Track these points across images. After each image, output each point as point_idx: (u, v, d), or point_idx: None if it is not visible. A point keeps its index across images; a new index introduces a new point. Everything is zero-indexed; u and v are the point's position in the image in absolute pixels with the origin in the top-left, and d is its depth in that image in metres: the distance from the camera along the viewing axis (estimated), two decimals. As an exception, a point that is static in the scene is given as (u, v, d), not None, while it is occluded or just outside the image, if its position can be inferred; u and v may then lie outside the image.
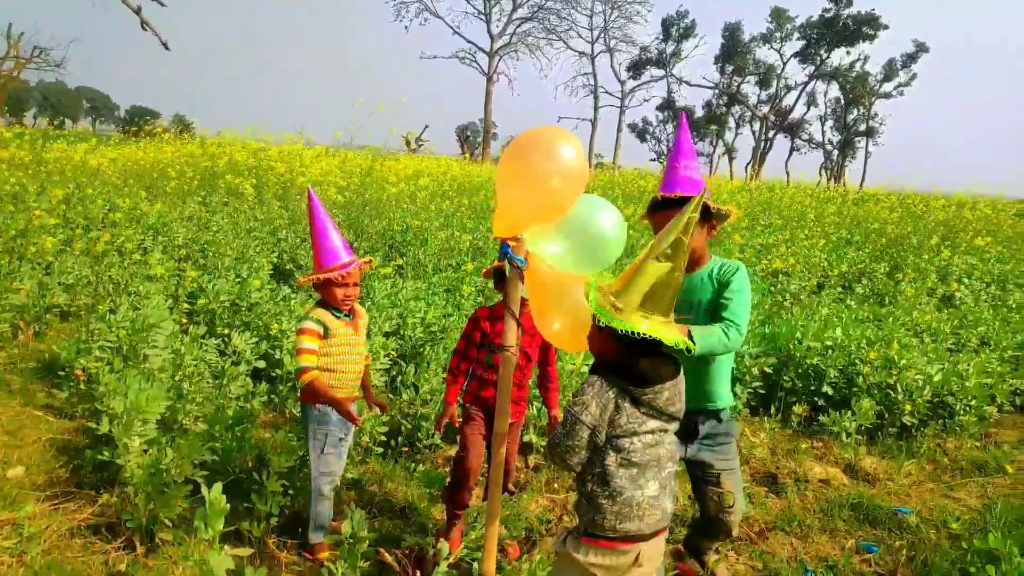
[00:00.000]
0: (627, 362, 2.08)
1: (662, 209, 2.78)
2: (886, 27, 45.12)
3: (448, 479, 3.31)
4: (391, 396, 4.89)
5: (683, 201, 2.54)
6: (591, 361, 2.28)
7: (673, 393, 2.12)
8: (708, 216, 2.80)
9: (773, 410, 5.19)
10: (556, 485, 4.06)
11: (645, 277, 2.06)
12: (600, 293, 2.10)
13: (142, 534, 3.09)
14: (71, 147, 12.47)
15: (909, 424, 4.93)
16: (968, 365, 5.26)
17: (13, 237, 6.82)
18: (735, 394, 4.61)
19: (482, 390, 3.21)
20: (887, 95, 48.14)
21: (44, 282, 5.79)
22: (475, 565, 2.88)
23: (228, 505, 2.32)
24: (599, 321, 2.07)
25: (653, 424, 2.10)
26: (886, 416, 4.98)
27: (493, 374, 3.13)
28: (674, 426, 2.19)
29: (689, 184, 2.76)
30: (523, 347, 3.16)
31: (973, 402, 5.06)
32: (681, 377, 2.18)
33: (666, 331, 2.03)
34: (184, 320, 5.45)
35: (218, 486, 2.35)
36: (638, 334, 1.97)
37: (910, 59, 46.59)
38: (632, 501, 2.08)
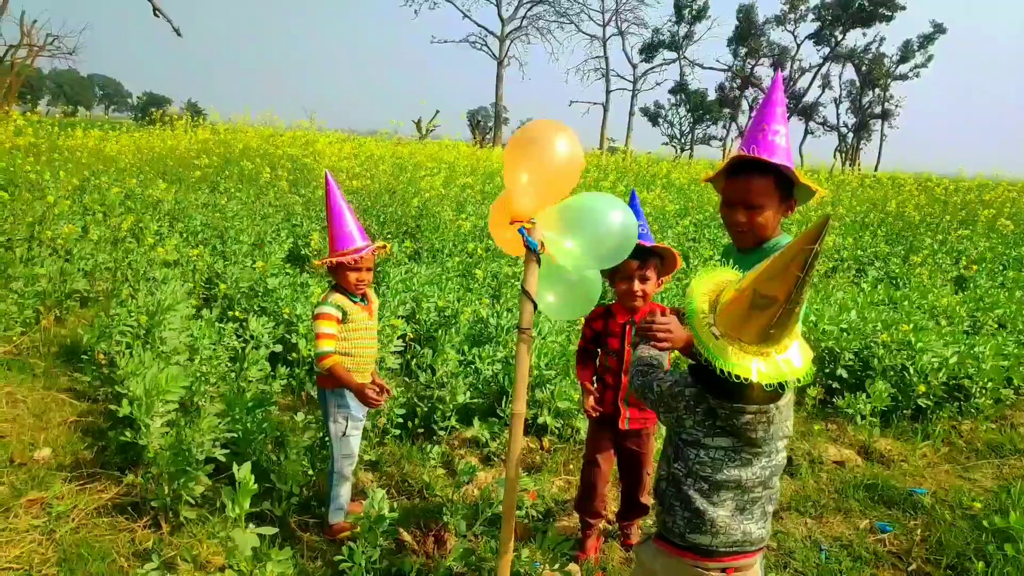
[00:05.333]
0: (708, 368, 1.73)
1: (741, 174, 2.28)
2: (903, 8, 44.43)
3: (578, 488, 3.30)
4: (406, 379, 4.94)
5: (765, 167, 2.21)
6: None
7: (757, 420, 1.79)
8: (791, 192, 2.31)
9: (787, 393, 5.19)
10: (572, 466, 4.10)
11: (747, 312, 1.67)
12: (701, 309, 1.75)
13: (166, 513, 3.16)
14: (86, 134, 12.54)
15: (924, 406, 4.92)
16: (984, 347, 5.25)
17: (31, 224, 6.90)
18: None
19: (604, 393, 3.11)
20: (903, 77, 47.55)
21: (64, 268, 5.86)
22: (492, 542, 2.93)
23: (256, 485, 2.37)
24: (696, 342, 1.74)
25: (723, 441, 1.83)
26: (901, 399, 4.97)
27: (610, 376, 3.06)
28: (759, 451, 1.85)
29: (778, 152, 2.23)
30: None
31: (989, 384, 5.04)
32: (780, 404, 1.82)
33: (765, 367, 1.65)
34: (198, 303, 5.52)
35: (247, 465, 2.41)
36: (722, 372, 1.65)
37: (927, 40, 45.93)
38: (704, 515, 1.85)
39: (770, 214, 2.27)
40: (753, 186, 2.26)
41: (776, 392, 1.72)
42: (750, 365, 1.64)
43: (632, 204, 2.78)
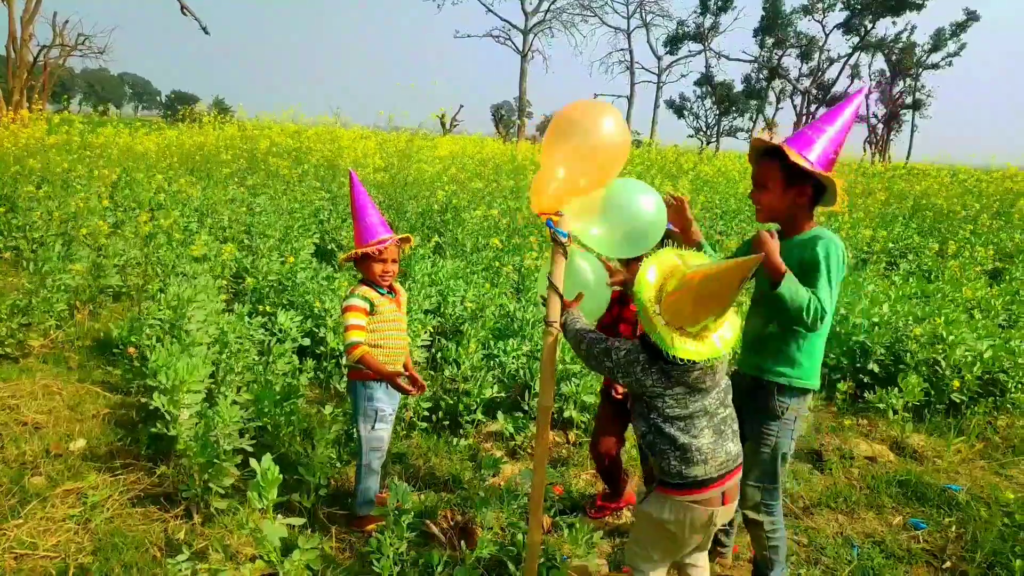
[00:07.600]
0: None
1: (767, 157, 2.54)
2: (936, -5, 43.40)
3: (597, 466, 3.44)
4: (432, 372, 4.96)
5: (773, 151, 2.48)
6: None
7: (704, 372, 2.10)
8: (803, 178, 2.47)
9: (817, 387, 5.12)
10: (598, 460, 4.08)
11: (697, 301, 1.96)
12: (648, 299, 2.02)
13: (198, 504, 3.20)
14: (117, 131, 12.74)
15: (958, 401, 4.83)
16: (1020, 341, 5.12)
17: (65, 220, 7.03)
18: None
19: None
20: (935, 66, 46.44)
21: (98, 263, 5.97)
22: (519, 536, 2.93)
23: (281, 475, 2.39)
24: (646, 328, 2.03)
25: (680, 389, 2.10)
26: (934, 393, 4.88)
27: None
28: (710, 391, 2.15)
29: (809, 146, 2.45)
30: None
31: (1026, 379, 4.93)
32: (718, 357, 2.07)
33: (703, 347, 1.97)
34: (226, 297, 5.58)
35: (268, 456, 2.43)
36: (672, 357, 1.96)
37: (959, 28, 44.79)
38: (691, 447, 2.10)
39: (774, 196, 2.53)
40: (758, 167, 2.59)
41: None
42: (691, 348, 1.96)
43: None
